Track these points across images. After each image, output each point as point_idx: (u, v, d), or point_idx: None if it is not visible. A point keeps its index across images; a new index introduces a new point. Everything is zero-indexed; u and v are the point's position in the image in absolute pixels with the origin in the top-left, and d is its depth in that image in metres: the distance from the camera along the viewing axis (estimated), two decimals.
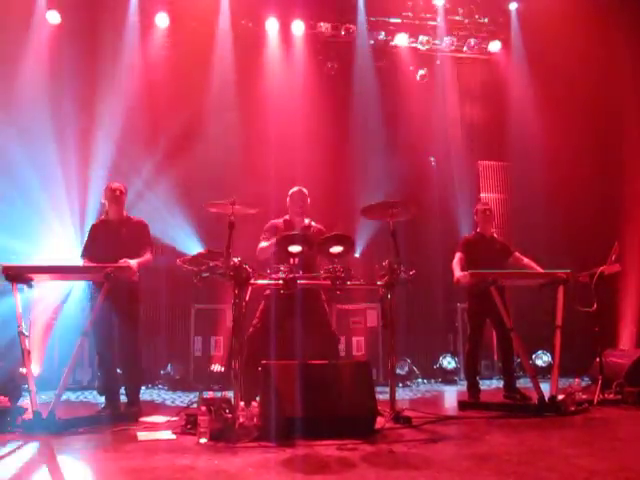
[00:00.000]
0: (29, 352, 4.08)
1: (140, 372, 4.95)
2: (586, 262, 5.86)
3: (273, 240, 4.60)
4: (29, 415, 3.92)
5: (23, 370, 4.48)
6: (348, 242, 4.25)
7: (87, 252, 4.88)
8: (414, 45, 8.55)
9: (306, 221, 5.07)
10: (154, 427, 4.11)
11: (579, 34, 7.49)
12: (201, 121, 7.76)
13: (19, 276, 4.16)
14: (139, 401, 4.84)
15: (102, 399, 4.94)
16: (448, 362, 7.43)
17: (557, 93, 7.98)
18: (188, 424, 3.91)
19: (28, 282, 4.20)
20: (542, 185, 8.21)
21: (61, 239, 7.23)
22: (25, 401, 4.60)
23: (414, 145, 8.28)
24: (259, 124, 7.86)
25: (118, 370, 4.96)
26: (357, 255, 7.75)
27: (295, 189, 5.08)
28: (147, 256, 4.79)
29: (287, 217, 5.08)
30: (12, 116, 7.21)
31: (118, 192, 4.89)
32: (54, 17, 7.65)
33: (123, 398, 4.87)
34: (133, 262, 4.52)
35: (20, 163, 7.20)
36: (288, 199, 5.07)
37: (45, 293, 6.59)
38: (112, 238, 4.83)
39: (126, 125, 7.48)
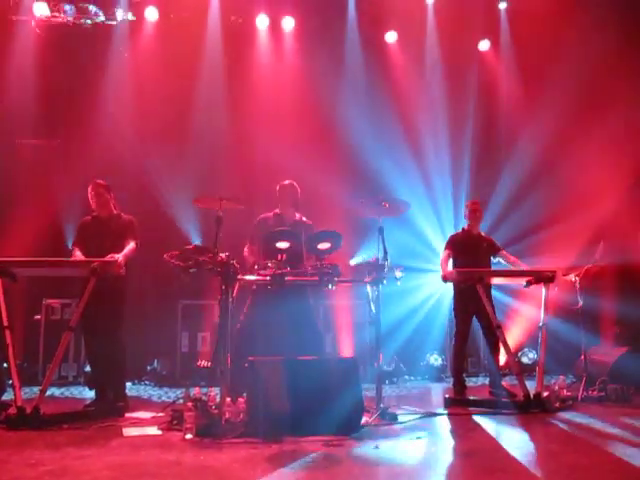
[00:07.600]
0: (13, 346, 4.04)
1: (123, 368, 4.92)
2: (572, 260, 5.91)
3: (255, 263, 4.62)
4: (13, 410, 3.89)
5: None
6: (336, 239, 4.25)
7: (76, 244, 4.89)
8: None
9: (297, 216, 5.05)
10: (140, 423, 4.10)
11: (569, 34, 7.53)
12: (190, 117, 7.72)
13: (3, 270, 4.11)
14: (125, 397, 4.81)
15: (89, 394, 4.91)
16: (435, 359, 7.46)
17: (545, 91, 8.01)
18: (174, 420, 3.92)
19: (12, 276, 4.16)
20: (531, 181, 8.24)
21: None
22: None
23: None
24: (248, 121, 7.82)
25: None
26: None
27: (286, 182, 5.04)
28: (131, 245, 4.74)
29: (277, 210, 5.05)
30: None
31: (93, 191, 4.90)
32: (42, 9, 7.55)
33: None
34: (119, 256, 4.47)
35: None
36: (278, 192, 5.01)
37: None
38: (100, 233, 4.83)
39: (115, 119, 7.42)
